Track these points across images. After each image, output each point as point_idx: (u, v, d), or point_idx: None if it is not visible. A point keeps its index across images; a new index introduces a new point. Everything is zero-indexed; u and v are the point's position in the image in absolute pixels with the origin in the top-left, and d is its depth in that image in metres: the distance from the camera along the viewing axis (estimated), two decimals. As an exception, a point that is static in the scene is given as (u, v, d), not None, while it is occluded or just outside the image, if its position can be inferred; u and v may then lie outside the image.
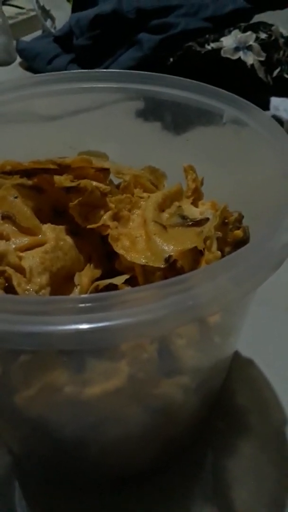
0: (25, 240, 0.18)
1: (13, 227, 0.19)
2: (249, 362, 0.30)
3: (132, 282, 0.20)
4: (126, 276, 0.19)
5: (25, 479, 0.25)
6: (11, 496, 0.25)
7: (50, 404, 0.19)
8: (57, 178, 0.19)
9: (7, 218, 0.19)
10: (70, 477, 0.25)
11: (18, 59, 0.71)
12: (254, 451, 0.26)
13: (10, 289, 0.17)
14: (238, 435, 0.27)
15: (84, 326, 0.14)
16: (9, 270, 0.17)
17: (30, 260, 0.17)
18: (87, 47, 0.62)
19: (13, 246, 0.18)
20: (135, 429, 0.21)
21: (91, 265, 0.20)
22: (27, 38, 0.74)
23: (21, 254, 0.18)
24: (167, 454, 0.25)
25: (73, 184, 0.19)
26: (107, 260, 0.21)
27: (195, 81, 0.26)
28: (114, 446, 0.22)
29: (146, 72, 0.27)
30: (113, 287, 0.19)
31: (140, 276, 0.20)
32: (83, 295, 0.18)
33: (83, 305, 0.14)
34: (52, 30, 0.71)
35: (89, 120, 0.30)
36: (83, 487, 0.25)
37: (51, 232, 0.19)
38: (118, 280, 0.19)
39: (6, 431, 0.24)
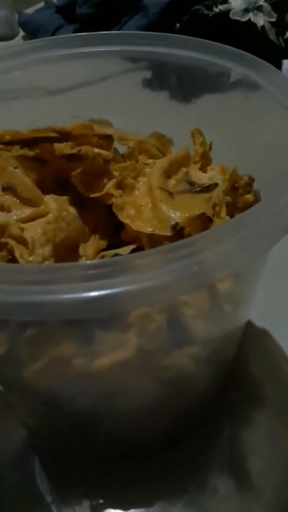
0: (27, 211, 0.18)
1: (14, 199, 0.18)
2: (263, 332, 0.30)
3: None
4: (132, 246, 0.19)
5: (42, 451, 0.25)
6: (31, 468, 0.25)
7: (59, 377, 0.18)
8: (57, 145, 0.19)
9: (8, 189, 0.18)
10: (85, 449, 0.25)
11: (21, 33, 0.70)
12: (269, 421, 0.26)
13: (13, 261, 0.17)
14: (253, 406, 0.27)
15: (89, 294, 0.13)
16: (11, 242, 0.16)
17: (32, 231, 0.17)
18: (91, 15, 0.60)
19: (15, 218, 0.17)
20: (146, 401, 0.21)
21: (97, 236, 0.19)
22: (29, 10, 0.72)
23: (23, 225, 0.17)
24: (181, 426, 0.25)
25: (74, 151, 0.18)
26: (113, 231, 0.21)
27: (200, 40, 0.25)
28: (126, 418, 0.22)
29: (149, 33, 0.26)
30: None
31: (146, 246, 0.19)
32: (86, 262, 0.18)
33: (87, 272, 0.14)
34: (55, 1, 0.69)
35: (92, 90, 0.29)
36: (97, 459, 0.25)
37: (53, 202, 0.19)
38: (124, 250, 0.19)
39: (19, 405, 0.24)
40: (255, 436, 0.25)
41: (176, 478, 0.24)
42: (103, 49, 0.27)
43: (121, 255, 0.18)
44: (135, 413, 0.21)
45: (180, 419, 0.24)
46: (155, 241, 0.19)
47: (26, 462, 0.25)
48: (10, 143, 0.20)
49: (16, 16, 0.69)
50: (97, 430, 0.23)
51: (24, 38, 0.69)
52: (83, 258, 0.18)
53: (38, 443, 0.26)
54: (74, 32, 0.61)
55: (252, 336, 0.29)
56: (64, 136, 0.20)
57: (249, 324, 0.29)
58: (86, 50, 0.27)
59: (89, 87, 0.30)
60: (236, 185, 0.20)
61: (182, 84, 0.28)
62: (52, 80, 0.29)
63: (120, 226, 0.20)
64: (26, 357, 0.18)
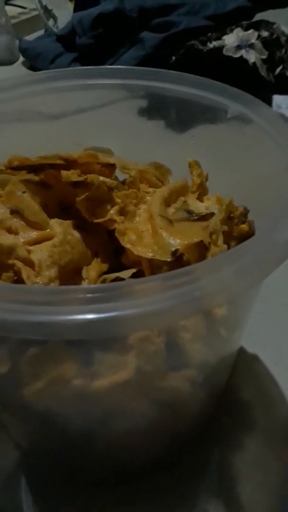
0: (33, 234, 0.19)
1: (22, 222, 0.19)
2: (254, 358, 0.30)
3: (138, 276, 0.20)
4: (133, 270, 0.19)
5: (31, 474, 0.25)
6: (17, 491, 0.25)
7: (59, 397, 0.19)
8: (64, 173, 0.19)
9: (16, 212, 0.19)
10: (76, 471, 0.25)
11: (21, 58, 0.72)
12: (259, 446, 0.26)
13: (19, 283, 0.18)
14: (243, 430, 0.27)
15: (91, 316, 0.14)
16: (18, 264, 0.17)
17: (39, 253, 0.17)
18: (90, 46, 0.62)
19: (22, 240, 0.18)
20: (141, 423, 0.21)
21: (98, 259, 0.20)
22: (30, 37, 0.74)
23: (29, 248, 0.18)
24: (173, 449, 0.25)
25: (80, 178, 0.19)
26: (114, 255, 0.21)
27: (199, 77, 0.26)
28: (120, 440, 0.22)
29: (150, 68, 0.28)
30: (120, 281, 0.19)
31: (146, 270, 0.20)
32: (90, 285, 0.18)
33: (90, 295, 0.14)
34: (55, 30, 0.71)
35: (93, 118, 0.31)
36: (88, 482, 0.25)
37: (58, 226, 0.19)
38: (125, 274, 0.19)
39: (13, 425, 0.24)
40: (245, 461, 0.26)
41: (167, 501, 0.24)
42: (106, 82, 0.28)
43: (122, 278, 0.19)
44: (129, 434, 0.21)
45: (173, 441, 0.24)
46: (154, 266, 0.20)
47: (12, 484, 0.25)
48: (17, 168, 0.21)
49: (17, 42, 0.71)
50: (92, 451, 0.23)
51: (24, 63, 0.71)
52: (86, 280, 0.19)
53: (29, 465, 0.26)
54: (73, 60, 0.63)
55: (243, 362, 0.29)
56: (69, 163, 0.21)
57: (240, 350, 0.30)
58: (89, 82, 0.28)
59: (89, 115, 0.31)
60: (232, 215, 0.21)
61: (180, 115, 0.29)
62: (56, 108, 0.30)
63: (120, 250, 0.21)
64: (28, 376, 0.18)
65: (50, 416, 0.20)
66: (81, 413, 0.20)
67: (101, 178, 0.20)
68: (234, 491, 0.25)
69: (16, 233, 0.18)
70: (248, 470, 0.25)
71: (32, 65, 0.69)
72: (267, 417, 0.28)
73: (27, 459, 0.26)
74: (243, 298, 0.20)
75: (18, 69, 0.70)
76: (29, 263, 0.17)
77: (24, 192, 0.19)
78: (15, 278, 0.17)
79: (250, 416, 0.28)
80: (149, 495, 0.24)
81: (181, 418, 0.23)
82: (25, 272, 0.17)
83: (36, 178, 0.21)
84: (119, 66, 0.29)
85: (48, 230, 0.19)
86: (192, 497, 0.24)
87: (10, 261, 0.17)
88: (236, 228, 0.21)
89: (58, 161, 0.20)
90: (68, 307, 0.14)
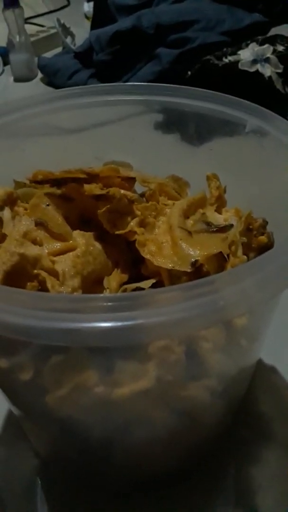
0: (57, 245, 0.19)
1: (46, 233, 0.19)
2: (272, 369, 0.30)
3: (157, 286, 0.20)
4: (153, 280, 0.20)
5: (49, 483, 0.26)
6: (34, 499, 0.25)
7: (80, 405, 0.19)
8: (87, 186, 0.20)
9: (40, 224, 0.19)
10: (93, 480, 0.26)
11: (39, 75, 0.74)
12: (278, 458, 0.26)
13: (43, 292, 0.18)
14: (261, 442, 0.27)
15: (113, 324, 0.14)
16: (43, 274, 0.17)
17: (63, 264, 0.18)
18: (107, 62, 0.63)
19: (46, 251, 0.19)
20: (160, 432, 0.21)
21: (119, 269, 0.21)
22: (48, 54, 0.76)
23: (54, 258, 0.18)
24: (190, 459, 0.25)
25: (103, 192, 0.20)
26: (133, 265, 0.22)
27: (218, 93, 0.27)
28: (139, 449, 0.22)
29: (169, 85, 0.28)
30: (141, 290, 0.20)
31: (166, 281, 0.20)
32: (112, 294, 0.19)
33: (112, 303, 0.15)
34: (72, 47, 0.73)
35: (112, 133, 0.31)
36: (105, 491, 0.25)
37: (81, 238, 0.20)
38: (145, 284, 0.20)
39: (34, 433, 0.25)
40: (264, 473, 0.26)
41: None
42: (126, 98, 0.29)
43: (142, 288, 0.20)
44: (148, 444, 0.22)
45: (191, 452, 0.24)
46: (174, 276, 0.20)
47: (30, 493, 0.25)
48: (41, 182, 0.21)
49: (36, 59, 0.73)
50: (110, 460, 0.23)
51: (42, 79, 0.73)
52: (107, 290, 0.19)
53: (47, 474, 0.26)
54: (90, 76, 0.65)
55: (261, 373, 0.29)
56: (91, 177, 0.21)
57: (258, 361, 0.30)
58: (110, 99, 0.29)
59: (108, 129, 0.32)
60: (251, 226, 0.21)
61: (198, 130, 0.30)
62: (77, 123, 0.31)
63: (139, 261, 0.21)
64: (51, 384, 0.18)
65: (71, 423, 0.20)
66: (102, 421, 0.20)
67: (122, 191, 0.21)
68: (253, 504, 0.24)
69: (41, 244, 0.19)
70: (267, 482, 0.25)
71: (50, 81, 0.70)
72: (285, 428, 0.27)
73: (46, 467, 0.26)
74: (263, 309, 0.20)
75: (36, 85, 0.72)
76: (53, 273, 0.18)
77: (48, 205, 0.20)
78: (39, 288, 0.18)
79: (268, 428, 0.27)
80: (166, 506, 0.24)
81: (199, 428, 0.23)
82: (50, 281, 0.17)
83: (58, 191, 0.22)
84: (139, 83, 0.30)
85: (71, 242, 0.20)
86: (209, 510, 0.24)
87: (35, 271, 0.18)
88: (255, 240, 0.21)
89: (81, 175, 0.21)
90: (90, 315, 0.15)
